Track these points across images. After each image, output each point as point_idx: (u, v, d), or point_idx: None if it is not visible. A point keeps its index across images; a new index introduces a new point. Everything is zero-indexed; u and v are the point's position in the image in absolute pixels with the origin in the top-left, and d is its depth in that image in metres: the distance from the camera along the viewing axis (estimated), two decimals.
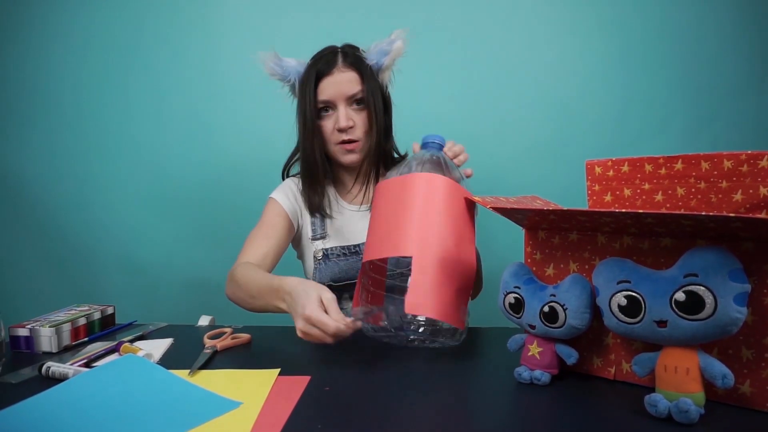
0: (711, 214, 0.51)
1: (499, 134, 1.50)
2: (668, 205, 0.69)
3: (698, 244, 0.61)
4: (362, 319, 0.77)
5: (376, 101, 1.01)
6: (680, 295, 0.54)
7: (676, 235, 0.63)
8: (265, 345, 0.90)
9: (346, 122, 1.00)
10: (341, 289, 1.07)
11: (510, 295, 0.71)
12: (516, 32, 1.50)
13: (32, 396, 0.62)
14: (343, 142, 1.02)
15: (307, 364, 0.78)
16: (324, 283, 1.06)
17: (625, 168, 0.73)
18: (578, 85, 1.49)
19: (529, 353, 0.70)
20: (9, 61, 1.51)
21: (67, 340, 0.88)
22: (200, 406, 0.62)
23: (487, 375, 0.74)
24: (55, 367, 0.72)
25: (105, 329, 0.97)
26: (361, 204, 1.10)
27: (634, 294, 0.58)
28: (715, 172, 0.65)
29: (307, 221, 1.09)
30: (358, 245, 1.07)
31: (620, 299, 0.59)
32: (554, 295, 0.67)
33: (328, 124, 1.02)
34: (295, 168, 1.12)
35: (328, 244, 1.08)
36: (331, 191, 1.11)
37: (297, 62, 1.03)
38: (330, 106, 1.01)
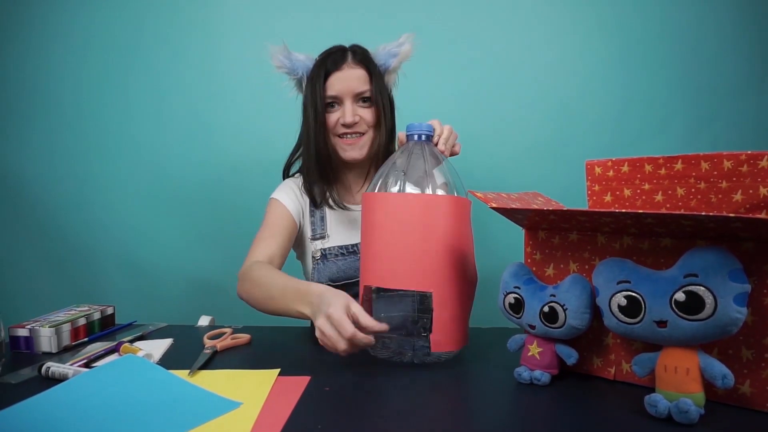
0: (711, 214, 0.51)
1: (499, 134, 1.50)
2: (668, 206, 0.69)
3: (698, 244, 0.61)
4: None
5: (383, 100, 1.03)
6: (680, 296, 0.54)
7: (676, 236, 0.63)
8: (265, 345, 0.90)
9: (352, 118, 1.00)
10: (339, 289, 1.07)
11: (510, 295, 0.71)
12: (516, 32, 1.50)
13: (32, 396, 0.61)
14: (345, 136, 1.03)
15: (307, 364, 0.78)
16: (322, 283, 1.06)
17: (625, 168, 0.73)
18: (578, 85, 1.49)
19: (529, 353, 0.70)
20: (9, 61, 1.51)
21: (66, 341, 0.88)
22: (200, 406, 0.62)
23: (487, 375, 0.74)
24: (54, 367, 0.72)
25: (105, 329, 0.97)
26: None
27: (634, 294, 0.58)
28: (715, 173, 0.65)
29: (307, 221, 1.09)
30: (356, 245, 1.07)
31: (620, 299, 0.59)
32: (554, 296, 0.67)
33: (332, 119, 1.02)
34: (295, 167, 1.12)
35: (327, 244, 1.08)
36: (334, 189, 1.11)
37: (306, 57, 1.04)
38: (336, 101, 1.02)
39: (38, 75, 1.51)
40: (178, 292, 1.55)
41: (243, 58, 1.49)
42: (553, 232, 0.74)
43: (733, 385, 0.55)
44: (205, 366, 0.77)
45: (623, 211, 0.56)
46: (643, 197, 0.71)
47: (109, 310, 1.00)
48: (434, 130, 0.86)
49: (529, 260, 0.76)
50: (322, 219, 1.09)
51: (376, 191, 0.80)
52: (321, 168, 1.05)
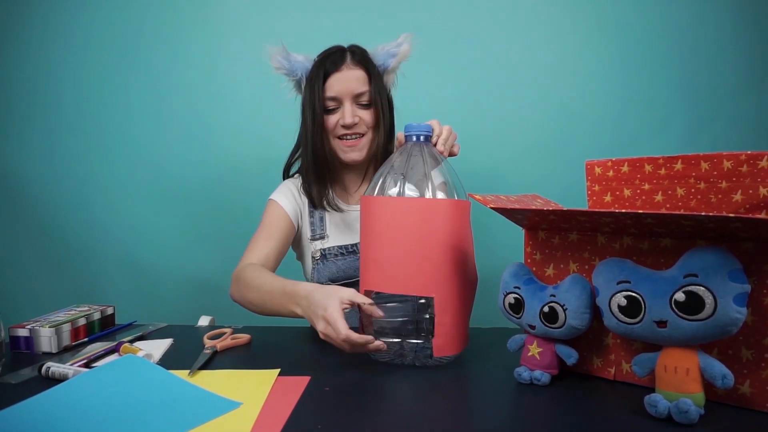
0: (711, 214, 0.51)
1: (499, 134, 1.50)
2: (668, 206, 0.69)
3: (698, 244, 0.61)
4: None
5: (383, 101, 1.03)
6: (680, 296, 0.54)
7: (675, 236, 0.63)
8: (265, 345, 0.90)
9: (351, 119, 1.00)
10: None
11: (510, 295, 0.71)
12: (516, 32, 1.50)
13: (32, 396, 0.61)
14: (345, 137, 1.02)
15: (307, 364, 0.78)
16: (322, 283, 1.06)
17: (625, 168, 0.73)
18: (578, 85, 1.49)
19: (529, 353, 0.70)
20: (9, 61, 1.51)
21: (66, 341, 0.88)
22: (200, 406, 0.62)
23: (487, 375, 0.74)
24: (54, 367, 0.72)
25: (105, 329, 0.97)
26: None
27: (634, 294, 0.58)
28: (715, 173, 0.65)
29: (306, 222, 1.09)
30: (355, 245, 1.07)
31: (620, 299, 0.59)
32: (554, 296, 0.67)
33: (332, 120, 1.02)
34: (295, 167, 1.12)
35: (327, 244, 1.08)
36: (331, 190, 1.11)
37: (305, 58, 1.04)
38: (335, 102, 1.02)
39: (38, 75, 1.51)
40: (178, 292, 1.55)
41: (243, 58, 1.49)
42: (553, 233, 0.74)
43: (732, 385, 0.55)
44: (205, 366, 0.77)
45: (623, 211, 0.56)
46: (643, 197, 0.72)
47: (109, 311, 1.00)
48: (433, 130, 0.86)
49: (529, 260, 0.77)
50: (321, 219, 1.09)
51: (375, 193, 0.79)
52: (319, 169, 1.05)
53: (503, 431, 0.57)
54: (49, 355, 0.84)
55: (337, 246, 1.08)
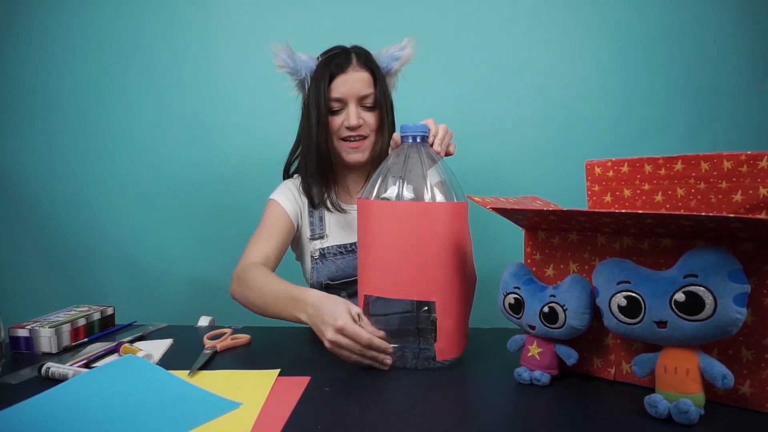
0: (711, 214, 0.51)
1: (499, 134, 1.50)
2: (668, 206, 0.69)
3: (698, 244, 0.61)
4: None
5: (386, 103, 1.03)
6: (680, 296, 0.54)
7: (675, 236, 0.63)
8: (265, 345, 0.90)
9: (356, 120, 1.00)
10: (338, 288, 1.07)
11: (510, 295, 0.71)
12: (516, 32, 1.50)
13: (32, 397, 0.61)
14: (349, 139, 1.02)
15: (307, 364, 0.77)
16: (322, 282, 1.07)
17: (625, 168, 0.73)
18: (578, 85, 1.49)
19: (529, 354, 0.70)
20: (9, 61, 1.51)
21: (66, 341, 0.88)
22: (200, 406, 0.62)
23: (487, 375, 0.74)
24: (54, 367, 0.72)
25: (105, 330, 0.98)
26: None
27: (633, 294, 0.58)
28: (715, 173, 0.65)
29: (306, 221, 1.09)
30: (354, 244, 1.07)
31: (620, 300, 0.59)
32: (554, 296, 0.67)
33: (336, 121, 1.02)
34: (295, 165, 1.12)
35: (326, 243, 1.08)
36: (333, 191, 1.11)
37: (309, 57, 1.04)
38: (340, 104, 1.02)
39: (38, 75, 1.51)
40: (178, 292, 1.55)
41: (243, 58, 1.49)
42: (553, 233, 0.74)
43: (732, 386, 0.55)
44: (205, 366, 0.77)
45: (623, 211, 0.56)
46: (643, 197, 0.72)
47: (109, 311, 1.00)
48: (429, 130, 0.85)
49: (529, 260, 0.76)
50: (321, 219, 1.09)
51: (373, 195, 0.78)
52: (321, 170, 1.05)
53: (503, 431, 0.57)
54: (49, 356, 0.84)
55: (336, 245, 1.08)
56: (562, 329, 0.66)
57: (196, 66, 1.51)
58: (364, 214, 0.79)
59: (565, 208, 0.63)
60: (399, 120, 1.08)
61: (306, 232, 1.09)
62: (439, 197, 0.77)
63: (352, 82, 1.00)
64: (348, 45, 1.05)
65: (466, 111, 1.48)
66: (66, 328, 0.88)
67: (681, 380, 0.56)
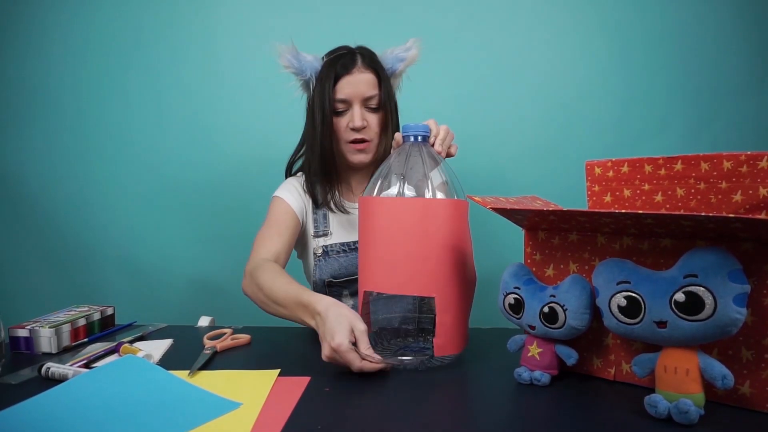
0: (710, 214, 0.51)
1: (499, 134, 1.50)
2: (668, 206, 0.69)
3: (698, 244, 0.61)
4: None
5: (391, 104, 1.03)
6: (680, 296, 0.54)
7: (675, 236, 0.63)
8: (265, 345, 0.90)
9: (360, 122, 1.00)
10: (341, 286, 1.08)
11: (510, 295, 0.71)
12: (516, 32, 1.50)
13: (32, 397, 0.61)
14: (355, 141, 1.03)
15: (307, 364, 0.77)
16: (324, 280, 1.07)
17: (625, 169, 0.73)
18: (578, 85, 1.49)
19: (529, 354, 0.70)
20: (9, 61, 1.51)
21: (66, 341, 0.88)
22: (200, 406, 0.62)
23: (487, 376, 0.74)
24: (54, 367, 0.72)
25: (105, 330, 0.98)
26: None
27: (633, 295, 0.58)
28: (715, 173, 0.65)
29: (310, 219, 1.10)
30: (357, 242, 1.07)
31: (620, 300, 0.59)
32: (554, 296, 0.67)
33: (341, 122, 1.02)
34: (298, 164, 1.12)
35: (330, 241, 1.08)
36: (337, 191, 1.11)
37: (314, 58, 1.03)
38: (345, 104, 1.02)
39: (38, 75, 1.51)
40: (178, 292, 1.55)
41: (243, 58, 1.49)
42: (553, 233, 0.74)
43: (733, 386, 0.55)
44: (205, 366, 0.77)
45: (623, 211, 0.56)
46: (643, 198, 0.72)
47: (109, 311, 1.00)
48: (430, 130, 0.85)
49: (529, 260, 0.76)
50: (325, 217, 1.09)
51: (374, 194, 0.79)
52: (325, 170, 1.05)
53: (503, 431, 0.57)
54: (49, 356, 0.84)
55: (340, 243, 1.08)
56: (562, 329, 0.66)
57: (196, 66, 1.51)
58: (365, 212, 0.79)
59: (565, 208, 0.63)
60: (400, 120, 1.08)
61: (310, 230, 1.10)
62: (441, 196, 0.77)
63: (357, 84, 1.00)
64: (349, 45, 1.05)
65: (466, 111, 1.48)
66: (66, 328, 0.88)
67: (681, 380, 0.56)
